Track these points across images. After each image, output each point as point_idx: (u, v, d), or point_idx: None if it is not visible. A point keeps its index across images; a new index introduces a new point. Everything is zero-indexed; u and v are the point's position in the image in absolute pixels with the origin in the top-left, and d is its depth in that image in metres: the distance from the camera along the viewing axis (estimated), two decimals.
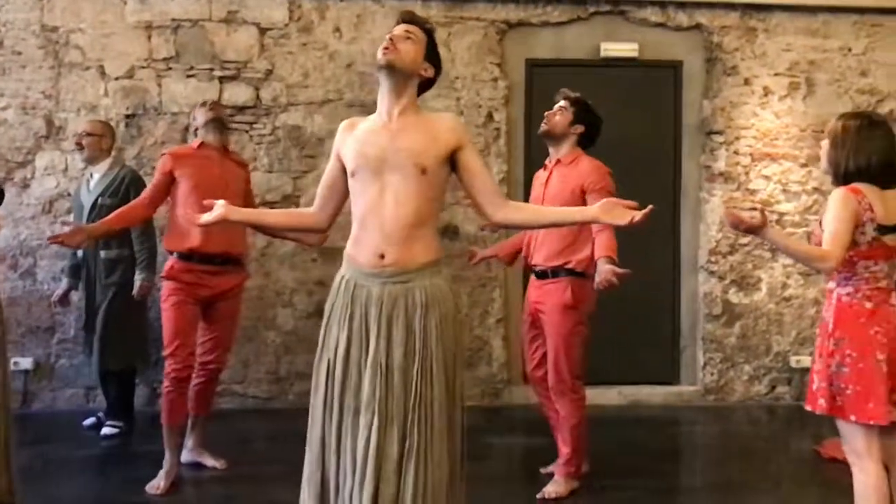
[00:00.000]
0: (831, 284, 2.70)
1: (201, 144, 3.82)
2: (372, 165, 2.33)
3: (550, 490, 3.56)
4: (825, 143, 2.75)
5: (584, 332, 3.61)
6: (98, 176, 4.57)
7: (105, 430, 4.57)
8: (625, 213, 2.21)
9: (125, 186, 4.52)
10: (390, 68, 2.35)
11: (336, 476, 2.33)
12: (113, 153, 4.68)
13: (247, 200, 3.89)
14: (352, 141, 2.40)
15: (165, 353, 3.63)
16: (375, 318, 2.29)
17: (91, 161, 4.61)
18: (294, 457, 4.31)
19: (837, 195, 2.63)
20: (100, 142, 4.61)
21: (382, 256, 2.33)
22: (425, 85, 2.48)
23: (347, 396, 2.29)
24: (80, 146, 4.61)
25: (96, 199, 4.48)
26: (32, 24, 5.11)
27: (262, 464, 4.02)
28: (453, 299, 2.38)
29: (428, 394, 2.25)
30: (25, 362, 5.08)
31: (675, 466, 4.42)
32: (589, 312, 3.65)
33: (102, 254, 4.52)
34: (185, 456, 3.85)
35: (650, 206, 2.20)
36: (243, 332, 5.22)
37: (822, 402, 2.60)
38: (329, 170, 2.51)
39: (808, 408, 2.67)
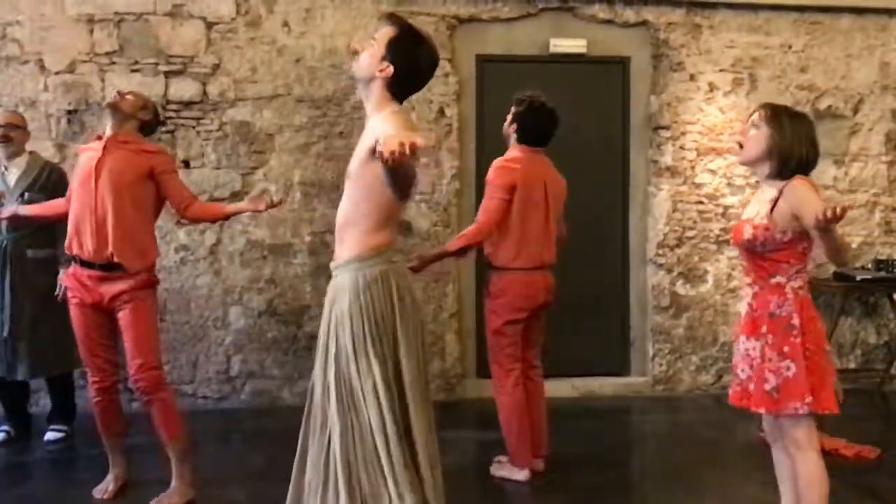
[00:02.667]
0: (779, 279, 2.65)
1: (99, 136, 3.55)
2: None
3: (494, 469, 3.85)
4: (761, 132, 2.67)
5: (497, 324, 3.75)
6: (18, 171, 4.30)
7: (49, 436, 4.43)
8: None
9: (52, 182, 4.30)
10: (353, 78, 2.45)
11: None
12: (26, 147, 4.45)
13: (157, 189, 3.49)
14: None
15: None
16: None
17: (15, 154, 4.33)
18: (247, 457, 4.29)
19: (806, 186, 2.57)
20: (24, 134, 4.42)
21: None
22: (398, 82, 2.38)
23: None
24: (7, 139, 4.31)
25: (22, 194, 4.21)
26: None
27: (213, 465, 3.97)
28: (355, 291, 2.37)
29: (321, 383, 2.40)
30: None
31: (627, 456, 4.51)
32: (509, 305, 3.72)
33: (30, 253, 4.26)
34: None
35: None
36: (192, 331, 5.14)
37: (804, 400, 2.56)
38: None
39: (762, 410, 2.66)
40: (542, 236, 3.72)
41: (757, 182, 5.67)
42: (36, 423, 4.61)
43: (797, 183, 2.58)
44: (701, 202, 5.58)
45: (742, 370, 2.79)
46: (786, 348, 2.61)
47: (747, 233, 2.69)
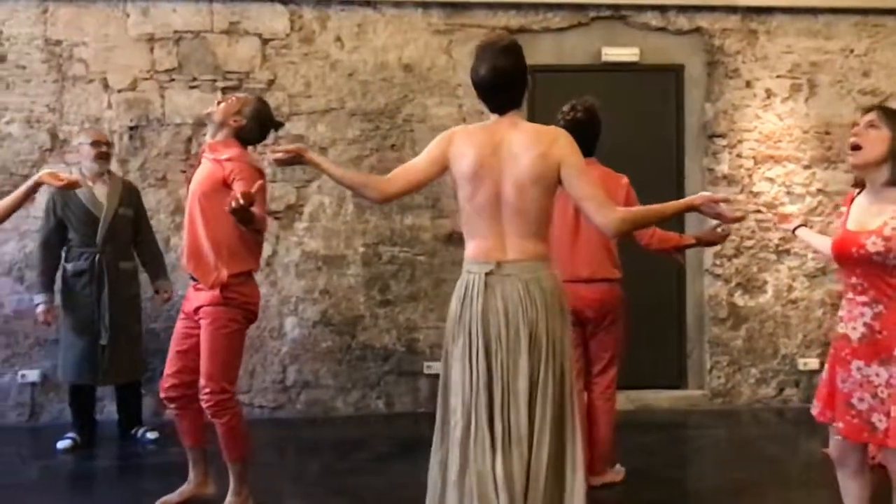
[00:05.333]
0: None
1: None
2: None
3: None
4: (882, 133, 2.50)
5: None
6: (105, 188, 4.55)
7: (148, 436, 4.65)
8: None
9: (134, 197, 4.66)
10: None
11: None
12: None
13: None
14: None
15: None
16: None
17: (105, 172, 4.61)
18: (301, 466, 4.34)
19: None
20: (111, 151, 4.73)
21: None
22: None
23: None
24: (106, 157, 4.60)
25: (116, 210, 4.51)
26: (36, 38, 5.14)
27: (269, 475, 4.02)
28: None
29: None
30: (33, 375, 5.08)
31: (685, 471, 4.41)
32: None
33: (122, 265, 4.54)
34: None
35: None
36: (249, 341, 5.23)
37: None
38: None
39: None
40: (570, 249, 3.62)
41: (819, 190, 5.49)
42: (101, 431, 4.74)
43: None
44: (759, 211, 5.46)
45: (860, 400, 2.51)
46: None
47: (876, 245, 2.47)
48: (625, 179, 3.70)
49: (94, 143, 4.56)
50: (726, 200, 2.48)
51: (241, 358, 3.40)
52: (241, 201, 2.82)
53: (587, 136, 3.60)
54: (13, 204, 3.21)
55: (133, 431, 4.72)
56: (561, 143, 2.47)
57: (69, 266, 4.50)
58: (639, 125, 5.36)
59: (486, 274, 2.46)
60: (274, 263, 5.27)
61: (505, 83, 2.50)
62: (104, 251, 4.47)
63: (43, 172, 2.71)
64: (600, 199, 2.42)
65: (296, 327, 5.28)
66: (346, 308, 5.30)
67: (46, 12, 5.14)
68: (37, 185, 2.71)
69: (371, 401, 5.31)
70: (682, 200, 2.59)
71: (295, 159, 2.59)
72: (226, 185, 3.20)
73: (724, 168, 5.45)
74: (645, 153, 5.38)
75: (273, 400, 5.27)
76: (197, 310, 3.29)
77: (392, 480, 3.97)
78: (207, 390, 3.24)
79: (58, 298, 4.59)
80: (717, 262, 5.44)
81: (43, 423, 5.08)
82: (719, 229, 3.54)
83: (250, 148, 3.47)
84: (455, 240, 5.30)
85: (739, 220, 2.63)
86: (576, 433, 2.46)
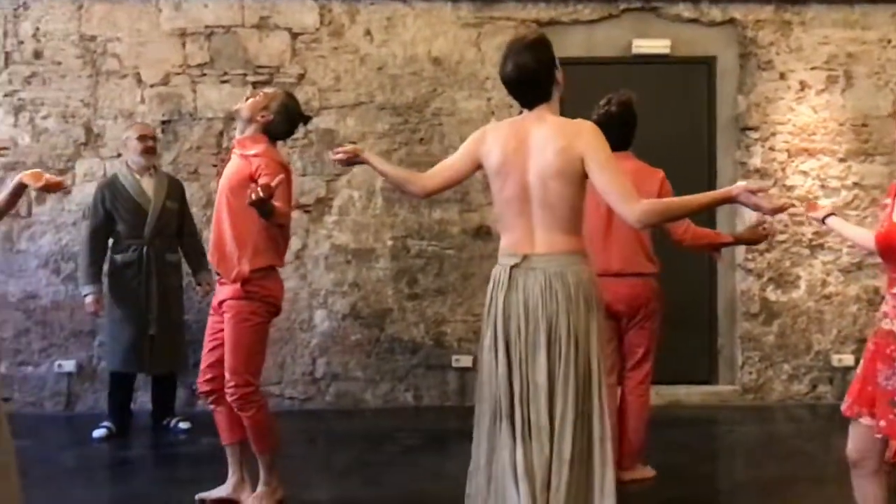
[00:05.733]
0: None
1: None
2: None
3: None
4: None
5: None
6: (153, 181, 4.65)
7: (181, 426, 4.72)
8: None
9: (179, 190, 4.74)
10: None
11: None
12: None
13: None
14: None
15: None
16: None
17: (151, 166, 4.70)
18: (331, 458, 4.37)
19: None
20: (157, 146, 4.83)
21: None
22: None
23: None
24: (152, 151, 4.69)
25: (164, 203, 4.60)
26: (71, 34, 5.22)
27: (298, 466, 4.06)
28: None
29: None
30: (69, 365, 5.18)
31: (715, 467, 4.37)
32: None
33: (167, 257, 4.62)
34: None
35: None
36: (279, 333, 5.28)
37: None
38: None
39: None
40: (602, 242, 3.59)
41: (855, 184, 5.38)
42: (134, 421, 4.82)
43: None
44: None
45: None
46: None
47: None
48: (660, 174, 3.65)
49: (141, 138, 4.66)
50: (764, 190, 2.36)
51: (265, 351, 3.41)
52: (261, 193, 2.87)
53: (621, 129, 3.60)
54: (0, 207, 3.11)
55: (165, 421, 4.79)
56: (584, 136, 2.45)
57: (117, 257, 4.59)
58: (669, 118, 5.30)
59: (512, 267, 2.49)
60: (304, 256, 5.31)
61: (528, 80, 2.51)
62: (152, 243, 4.56)
63: (24, 173, 2.67)
64: (623, 191, 2.40)
65: (325, 320, 5.32)
66: (374, 301, 5.33)
67: (81, 8, 5.22)
68: (21, 186, 2.67)
69: (399, 393, 5.34)
70: (717, 191, 2.51)
71: (353, 159, 2.82)
72: (252, 180, 3.19)
73: (756, 161, 5.37)
74: (676, 147, 5.31)
75: (303, 392, 5.32)
76: (221, 304, 3.32)
77: (420, 473, 3.99)
78: (232, 384, 3.25)
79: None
80: (749, 256, 5.37)
81: (79, 412, 5.18)
82: (760, 227, 3.47)
83: (280, 143, 3.49)
84: (483, 234, 5.30)
85: (782, 209, 2.45)
86: (605, 429, 2.45)
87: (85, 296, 4.58)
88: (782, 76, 5.37)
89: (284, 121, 3.40)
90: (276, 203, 3.04)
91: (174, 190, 4.71)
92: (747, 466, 4.34)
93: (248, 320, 3.26)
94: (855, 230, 2.94)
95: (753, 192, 2.32)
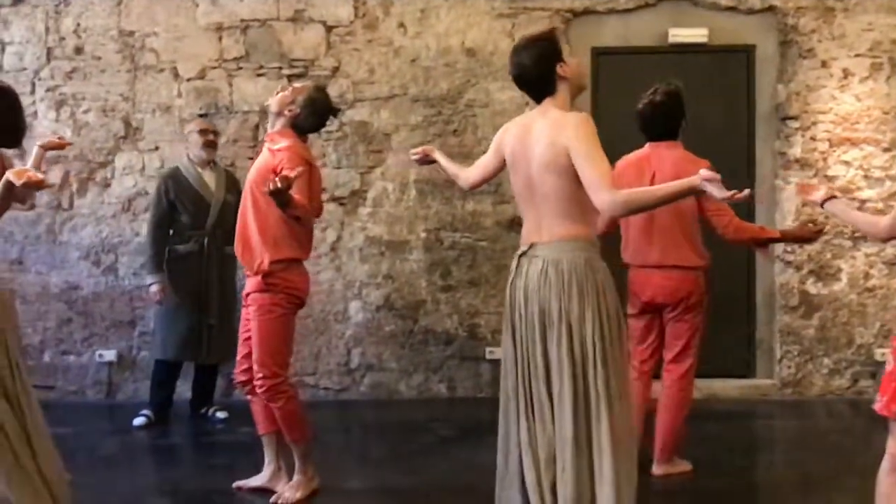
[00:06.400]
0: None
1: None
2: None
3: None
4: None
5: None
6: (214, 175, 4.74)
7: (219, 415, 4.79)
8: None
9: (236, 184, 4.72)
10: None
11: None
12: None
13: None
14: None
15: None
16: None
17: (212, 160, 4.77)
18: (366, 448, 4.41)
19: None
20: (218, 140, 4.88)
21: None
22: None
23: None
24: (213, 145, 4.76)
25: (225, 197, 4.67)
26: (110, 29, 5.31)
27: (334, 456, 4.10)
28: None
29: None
30: (109, 355, 5.29)
31: (753, 462, 4.31)
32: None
33: (226, 249, 4.59)
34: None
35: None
36: (314, 324, 5.32)
37: None
38: None
39: None
40: (643, 234, 3.57)
41: None
42: (173, 409, 4.89)
43: None
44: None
45: None
46: None
47: None
48: (705, 164, 3.59)
49: (202, 132, 4.74)
50: (717, 179, 2.37)
51: (292, 343, 3.43)
52: (279, 184, 2.91)
53: (665, 119, 3.61)
54: None
55: (203, 410, 4.86)
56: (569, 129, 2.52)
57: (179, 248, 4.66)
58: (708, 108, 5.20)
59: (520, 255, 2.65)
60: (338, 248, 5.34)
61: (527, 79, 2.65)
62: (213, 235, 4.64)
63: (9, 172, 2.68)
64: (597, 181, 2.44)
65: (360, 311, 5.35)
66: (408, 293, 5.34)
67: (120, 4, 5.30)
68: (10, 185, 2.68)
69: (433, 384, 5.35)
70: (682, 181, 2.51)
71: (425, 159, 3.23)
72: (274, 174, 3.18)
73: (796, 151, 5.27)
74: (714, 137, 5.21)
75: (338, 382, 5.36)
76: (247, 296, 3.37)
77: (454, 463, 4.00)
78: (260, 375, 3.28)
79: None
80: (789, 248, 5.27)
81: (119, 400, 5.29)
82: (810, 224, 3.42)
83: (314, 136, 3.51)
84: (516, 226, 5.27)
85: (742, 199, 2.40)
86: (601, 417, 2.48)
87: (150, 285, 4.65)
88: (824, 64, 5.25)
89: (311, 114, 3.40)
90: (295, 195, 3.07)
91: (232, 184, 4.76)
92: (785, 461, 4.28)
93: (272, 312, 3.28)
94: (858, 215, 2.88)
95: (709, 181, 2.37)
